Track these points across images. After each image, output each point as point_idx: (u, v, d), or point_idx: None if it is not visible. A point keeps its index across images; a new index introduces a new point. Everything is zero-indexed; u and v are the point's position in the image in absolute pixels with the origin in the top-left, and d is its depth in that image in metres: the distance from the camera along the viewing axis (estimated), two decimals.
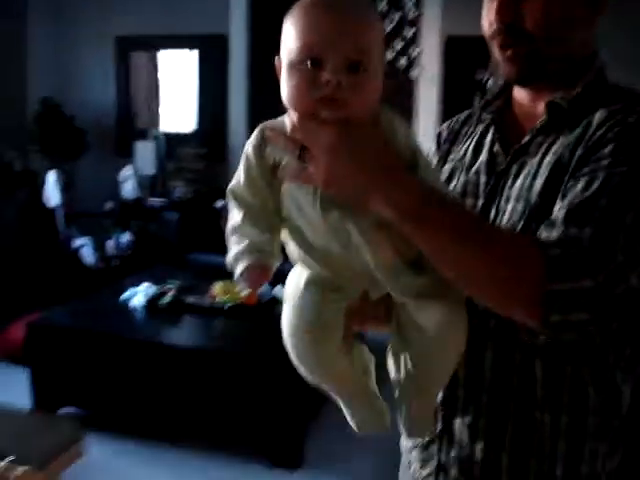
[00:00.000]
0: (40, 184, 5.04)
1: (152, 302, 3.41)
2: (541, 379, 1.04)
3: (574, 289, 0.90)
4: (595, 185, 0.94)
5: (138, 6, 5.62)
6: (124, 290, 3.60)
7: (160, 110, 5.89)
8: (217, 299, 3.44)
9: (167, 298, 3.41)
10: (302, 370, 1.04)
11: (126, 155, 5.59)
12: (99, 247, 4.71)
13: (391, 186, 0.92)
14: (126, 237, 4.82)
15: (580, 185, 0.95)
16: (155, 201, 5.28)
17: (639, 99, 1.04)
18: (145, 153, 5.36)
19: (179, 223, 5.01)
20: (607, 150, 0.96)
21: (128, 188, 4.95)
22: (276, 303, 3.51)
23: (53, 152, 5.57)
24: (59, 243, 4.82)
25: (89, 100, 5.85)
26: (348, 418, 1.10)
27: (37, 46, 6.00)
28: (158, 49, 5.75)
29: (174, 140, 5.44)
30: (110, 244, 4.76)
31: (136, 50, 5.77)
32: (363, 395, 1.09)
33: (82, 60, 5.88)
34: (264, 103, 5.42)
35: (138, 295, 3.45)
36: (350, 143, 0.92)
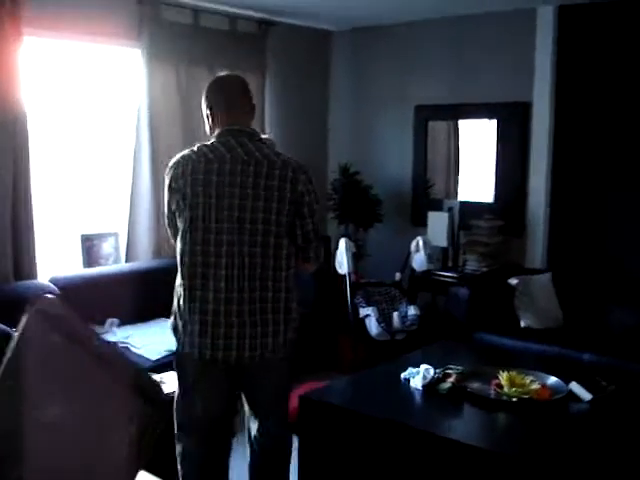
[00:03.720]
0: (333, 249, 5.06)
1: (431, 386, 3.13)
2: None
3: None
4: None
5: (438, 75, 5.53)
6: (405, 367, 3.37)
7: (457, 180, 5.70)
8: (503, 389, 3.06)
9: (447, 384, 3.11)
10: None
11: (420, 225, 5.46)
12: (385, 319, 4.56)
13: None
14: (413, 311, 4.62)
15: None
16: (445, 275, 5.05)
17: None
18: (438, 224, 5.18)
19: (469, 299, 4.70)
20: None
21: (419, 259, 4.77)
22: (572, 399, 3.04)
23: (348, 219, 5.61)
24: (347, 310, 4.76)
25: (386, 169, 5.84)
26: None
27: (338, 112, 6.17)
28: (457, 118, 5.58)
29: (469, 212, 5.19)
30: (396, 317, 4.59)
31: (435, 119, 5.66)
32: None
33: (381, 128, 5.91)
34: (567, 175, 5.02)
35: (417, 377, 3.19)
36: None
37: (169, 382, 3.22)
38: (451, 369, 3.25)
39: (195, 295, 2.58)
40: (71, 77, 4.55)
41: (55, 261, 4.58)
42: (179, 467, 2.83)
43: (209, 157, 2.57)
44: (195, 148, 2.64)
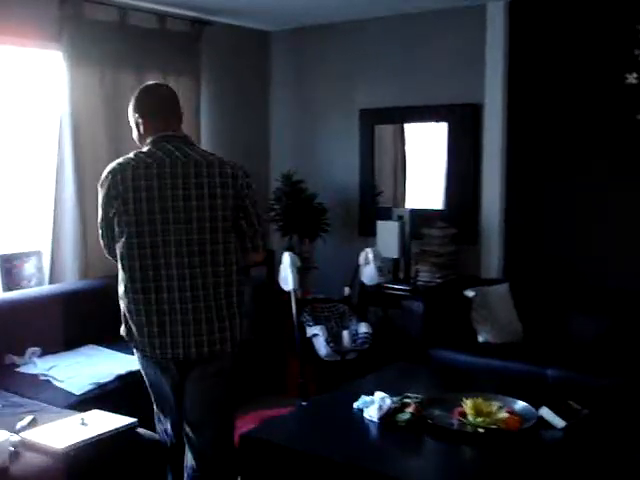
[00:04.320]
0: (277, 264, 4.70)
1: (388, 417, 2.81)
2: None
3: None
4: None
5: (384, 77, 5.26)
6: (358, 395, 3.05)
7: (405, 187, 5.42)
8: (467, 419, 2.76)
9: (406, 414, 2.79)
10: None
11: (368, 235, 5.17)
12: (334, 338, 4.23)
13: None
14: (363, 328, 4.29)
15: None
16: (397, 288, 4.75)
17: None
18: (388, 234, 4.89)
19: (423, 313, 4.41)
20: None
21: (368, 273, 4.46)
22: (543, 427, 2.76)
23: (292, 230, 5.28)
24: (292, 329, 4.42)
25: (332, 176, 5.54)
26: None
27: (279, 118, 5.84)
28: (405, 121, 5.30)
29: (420, 220, 4.90)
30: (346, 335, 4.26)
31: (381, 123, 5.38)
32: None
33: (325, 133, 5.60)
34: (522, 178, 4.77)
35: (372, 407, 2.87)
36: None
37: (93, 422, 2.83)
38: (409, 397, 2.94)
39: (150, 298, 2.61)
40: None
41: None
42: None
43: (148, 162, 2.63)
44: (132, 155, 2.69)
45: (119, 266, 2.67)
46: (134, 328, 2.66)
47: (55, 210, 4.36)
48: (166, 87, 2.91)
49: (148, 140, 2.71)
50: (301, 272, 4.52)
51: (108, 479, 2.71)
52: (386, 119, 5.35)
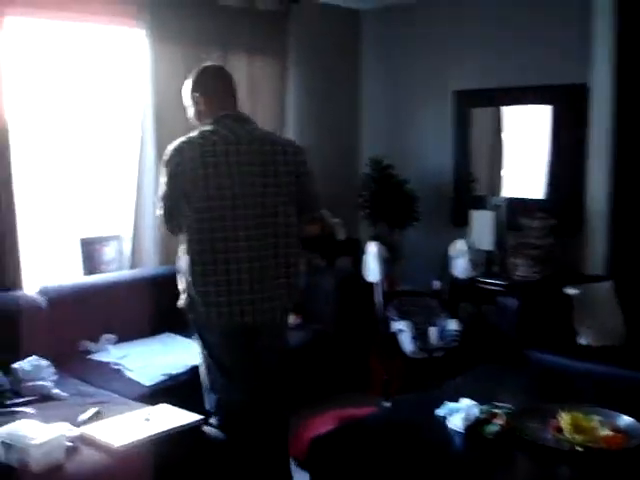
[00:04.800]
0: (362, 254, 4.46)
1: (474, 428, 2.54)
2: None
3: None
4: None
5: (480, 55, 4.91)
6: (441, 401, 2.78)
7: (502, 175, 5.06)
8: (564, 435, 2.45)
9: (494, 426, 2.51)
10: None
11: (461, 225, 4.86)
12: (421, 335, 3.96)
13: None
14: (453, 325, 4.01)
15: None
16: (491, 282, 4.42)
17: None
18: (483, 224, 4.58)
19: (519, 311, 4.07)
20: None
21: (460, 265, 4.16)
22: None
23: (381, 218, 5.03)
24: (377, 324, 4.19)
25: (423, 162, 5.25)
26: None
27: (369, 100, 5.59)
28: (503, 104, 4.95)
29: (518, 210, 4.55)
30: (433, 332, 3.99)
31: (477, 106, 5.05)
32: None
33: (417, 116, 5.31)
34: (632, 166, 4.34)
35: (457, 416, 2.60)
36: None
37: (156, 418, 2.68)
38: (499, 407, 2.65)
39: (219, 269, 2.71)
40: (64, 64, 4.03)
41: (51, 268, 4.08)
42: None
43: (214, 139, 2.75)
44: (196, 133, 2.79)
45: (185, 240, 2.77)
46: (199, 299, 2.74)
47: (137, 193, 4.26)
48: (224, 69, 3.07)
49: (209, 120, 2.83)
50: (388, 263, 4.27)
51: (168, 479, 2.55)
52: (482, 101, 5.02)
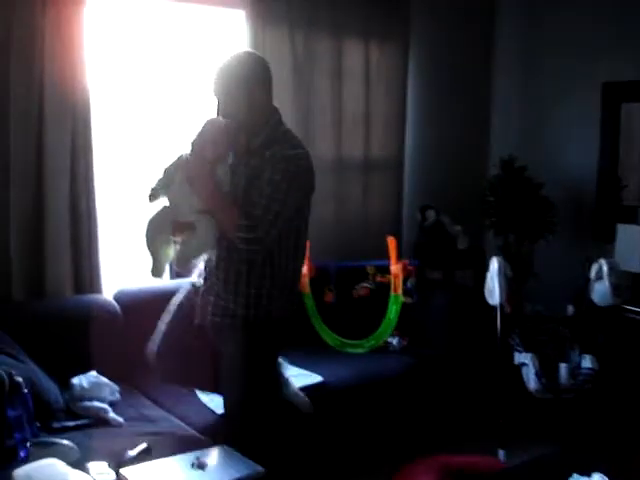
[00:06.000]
0: (486, 268, 3.86)
1: None
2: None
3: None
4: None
5: (635, 41, 4.18)
6: (568, 468, 2.19)
7: None
8: None
9: None
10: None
11: (604, 241, 4.16)
12: (548, 371, 3.33)
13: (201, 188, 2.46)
14: (587, 363, 3.35)
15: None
16: (638, 312, 3.71)
17: (296, 140, 2.60)
18: (631, 241, 3.90)
19: None
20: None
21: (600, 290, 3.50)
22: None
23: (509, 229, 4.39)
24: (495, 353, 3.58)
25: (562, 164, 4.58)
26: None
27: (502, 92, 4.94)
28: None
29: None
30: (564, 369, 3.35)
31: (630, 100, 4.34)
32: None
33: (557, 111, 4.63)
34: None
35: None
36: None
37: (209, 465, 2.23)
38: None
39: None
40: (154, 47, 3.69)
41: (133, 271, 3.75)
42: None
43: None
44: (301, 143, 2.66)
45: (275, 256, 2.59)
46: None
47: None
48: None
49: (271, 119, 2.60)
50: (513, 282, 3.66)
51: None
52: (636, 95, 4.28)
